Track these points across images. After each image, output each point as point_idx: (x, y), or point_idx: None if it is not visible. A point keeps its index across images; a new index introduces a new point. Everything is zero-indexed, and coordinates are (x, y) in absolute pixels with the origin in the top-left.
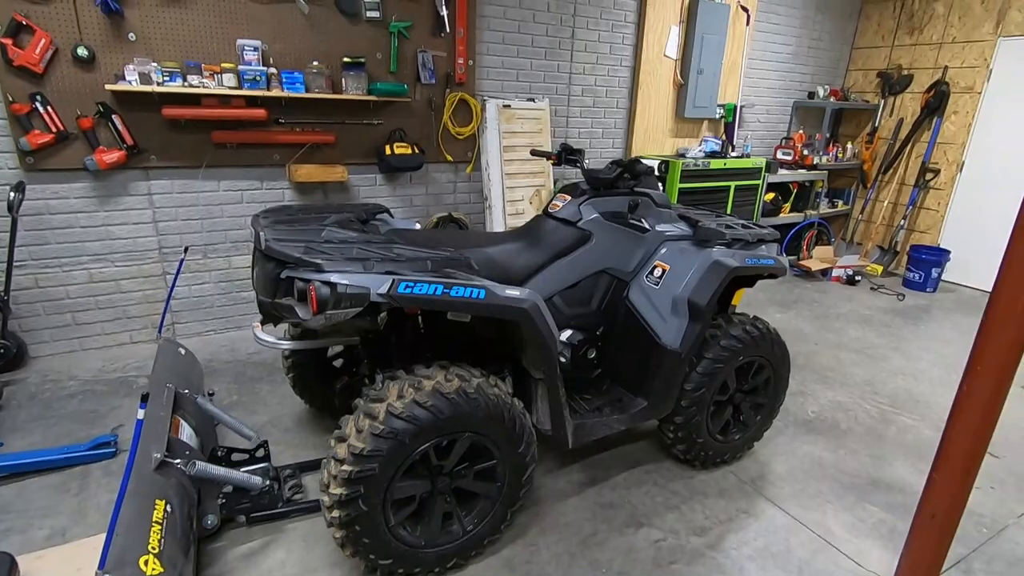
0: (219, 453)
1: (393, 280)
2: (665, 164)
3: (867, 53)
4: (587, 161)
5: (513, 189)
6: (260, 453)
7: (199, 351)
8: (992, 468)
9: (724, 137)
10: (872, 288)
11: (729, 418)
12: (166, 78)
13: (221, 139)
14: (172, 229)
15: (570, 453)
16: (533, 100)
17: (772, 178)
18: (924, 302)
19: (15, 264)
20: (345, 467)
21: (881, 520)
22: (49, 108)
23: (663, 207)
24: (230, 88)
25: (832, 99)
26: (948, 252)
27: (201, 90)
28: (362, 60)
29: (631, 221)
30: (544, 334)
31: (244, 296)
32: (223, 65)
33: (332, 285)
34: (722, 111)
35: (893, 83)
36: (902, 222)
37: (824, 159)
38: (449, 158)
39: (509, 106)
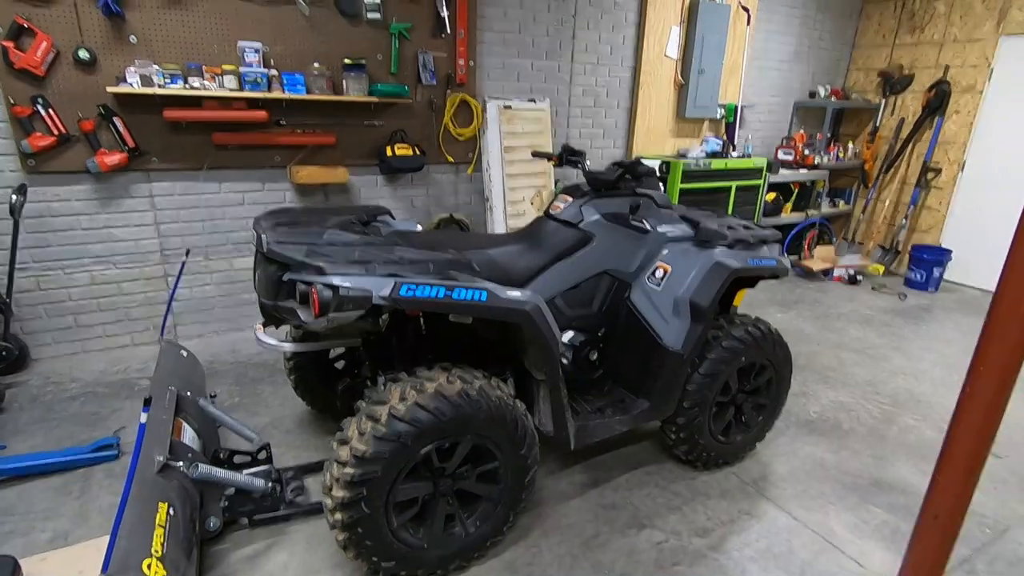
0: (221, 455)
1: (395, 282)
2: (666, 164)
3: (868, 52)
4: (588, 162)
5: (514, 190)
6: (262, 455)
7: (201, 353)
8: (995, 468)
9: (725, 137)
10: (873, 288)
11: (731, 419)
12: (167, 80)
13: (222, 141)
14: (173, 231)
15: (572, 454)
16: (534, 101)
17: (773, 178)
18: (926, 302)
19: (17, 266)
20: (348, 470)
21: (884, 521)
22: (50, 111)
23: (664, 208)
24: (231, 90)
25: (833, 99)
26: (950, 252)
27: (202, 92)
28: (363, 61)
29: (632, 222)
30: (546, 336)
31: (245, 298)
32: (224, 67)
33: (334, 288)
34: (723, 111)
35: (894, 82)
36: (903, 221)
37: (825, 159)
38: (450, 159)
39: (510, 107)
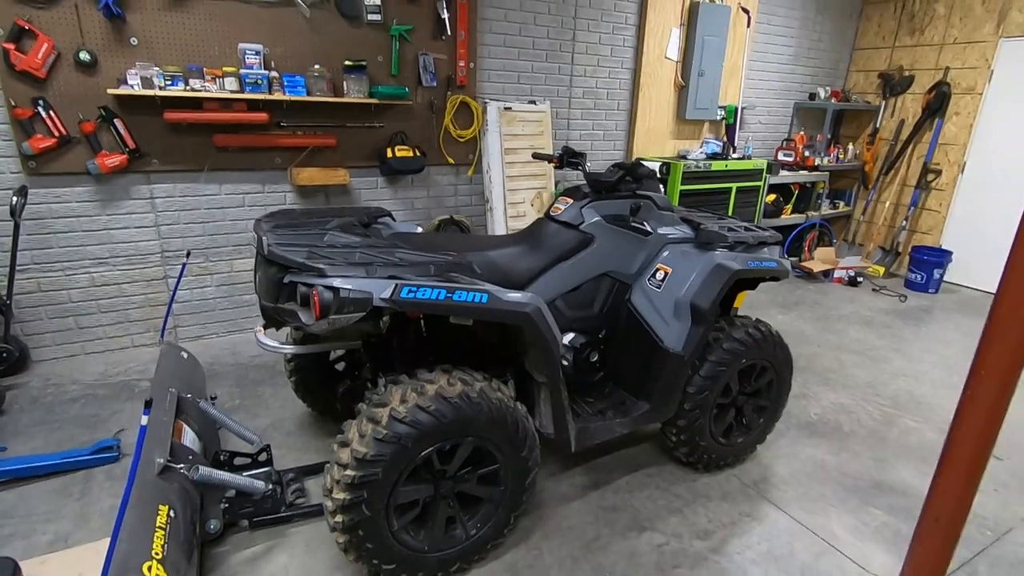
0: (222, 457)
1: (396, 285)
2: (666, 166)
3: (868, 54)
4: (589, 164)
5: (514, 191)
6: (263, 457)
7: (201, 354)
8: (996, 471)
9: (725, 139)
10: (874, 289)
11: (732, 421)
12: (168, 82)
13: (223, 143)
14: (174, 233)
15: (573, 456)
16: (534, 103)
17: (773, 179)
18: (926, 303)
19: (17, 268)
20: (348, 472)
21: (885, 523)
22: (51, 112)
23: (665, 210)
24: (232, 92)
25: (833, 100)
26: (950, 253)
27: (203, 94)
28: (363, 63)
29: (633, 224)
30: (547, 338)
31: (246, 299)
32: (225, 69)
33: (335, 290)
34: (723, 113)
35: (894, 84)
36: (904, 223)
37: (825, 160)
38: (450, 161)
39: (510, 108)
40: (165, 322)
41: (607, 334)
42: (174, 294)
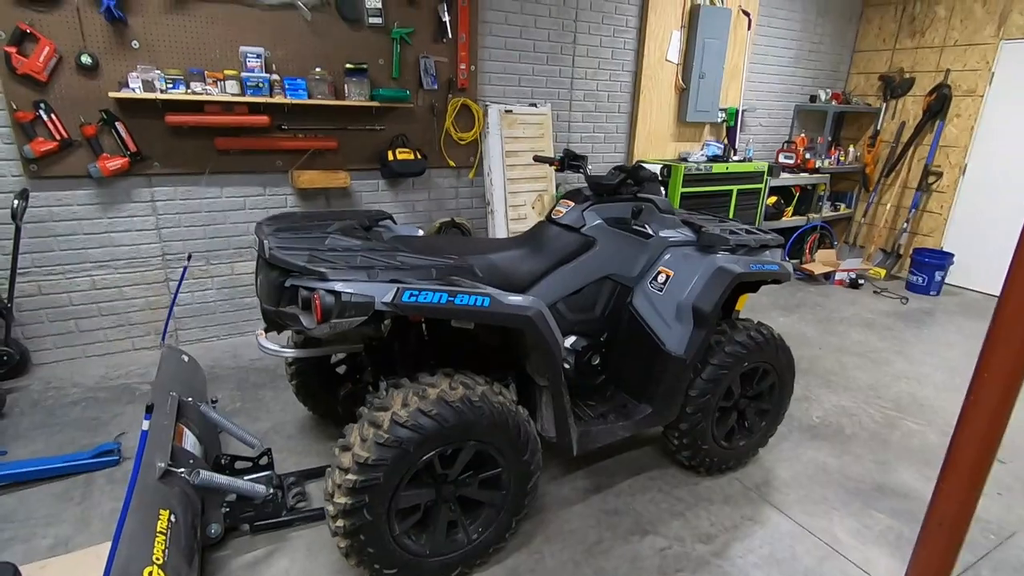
0: (223, 461)
1: (397, 288)
2: (667, 168)
3: (868, 56)
4: (590, 167)
5: (516, 194)
6: (264, 461)
7: (202, 358)
8: (999, 474)
9: (726, 141)
10: (875, 291)
11: (734, 424)
12: (169, 85)
13: (224, 146)
14: (175, 236)
15: (574, 460)
16: (535, 105)
17: (774, 182)
18: (927, 305)
19: (18, 271)
20: (350, 476)
21: (888, 527)
22: (53, 116)
23: (666, 212)
24: (233, 95)
25: (834, 103)
26: (951, 255)
27: (204, 97)
28: (364, 66)
29: (634, 227)
30: (548, 341)
31: (247, 302)
32: (226, 72)
33: (336, 294)
34: (724, 115)
35: (895, 86)
36: (905, 225)
37: (826, 163)
38: (451, 163)
39: (511, 111)
40: (166, 325)
41: (609, 337)
42: (175, 297)
